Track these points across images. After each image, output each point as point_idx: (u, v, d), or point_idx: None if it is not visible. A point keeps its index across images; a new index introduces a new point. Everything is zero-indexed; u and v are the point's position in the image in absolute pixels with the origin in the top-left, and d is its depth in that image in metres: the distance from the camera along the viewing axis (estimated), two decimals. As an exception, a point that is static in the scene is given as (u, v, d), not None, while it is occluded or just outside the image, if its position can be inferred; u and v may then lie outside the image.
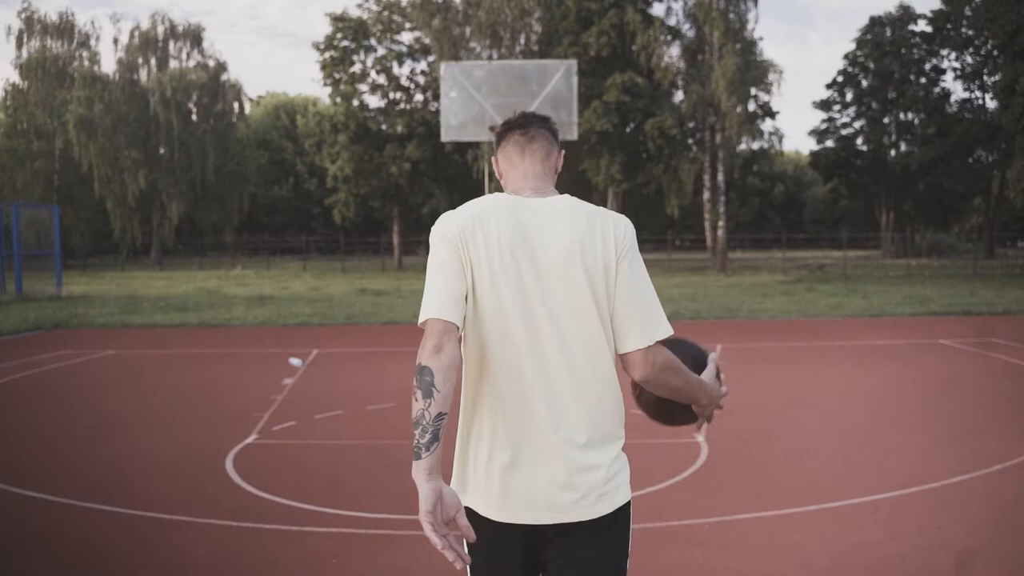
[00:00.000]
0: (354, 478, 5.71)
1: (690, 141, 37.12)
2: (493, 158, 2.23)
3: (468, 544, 1.90)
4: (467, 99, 14.05)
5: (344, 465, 6.05)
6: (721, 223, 35.22)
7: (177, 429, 7.16)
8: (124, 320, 16.92)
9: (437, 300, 1.93)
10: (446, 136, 15.08)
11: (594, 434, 1.98)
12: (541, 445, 1.95)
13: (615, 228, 2.03)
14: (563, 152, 2.25)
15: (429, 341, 1.86)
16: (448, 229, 2.00)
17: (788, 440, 6.58)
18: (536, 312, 1.96)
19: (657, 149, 34.68)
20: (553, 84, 13.41)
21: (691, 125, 36.28)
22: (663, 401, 2.16)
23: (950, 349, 11.61)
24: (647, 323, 2.00)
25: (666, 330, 2.02)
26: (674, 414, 2.22)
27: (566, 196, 2.09)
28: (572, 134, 17.74)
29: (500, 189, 2.23)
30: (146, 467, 6.00)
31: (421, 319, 1.92)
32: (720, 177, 35.02)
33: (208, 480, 5.62)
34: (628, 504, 2.04)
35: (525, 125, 2.16)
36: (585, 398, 1.98)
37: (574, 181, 37.12)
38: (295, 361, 10.37)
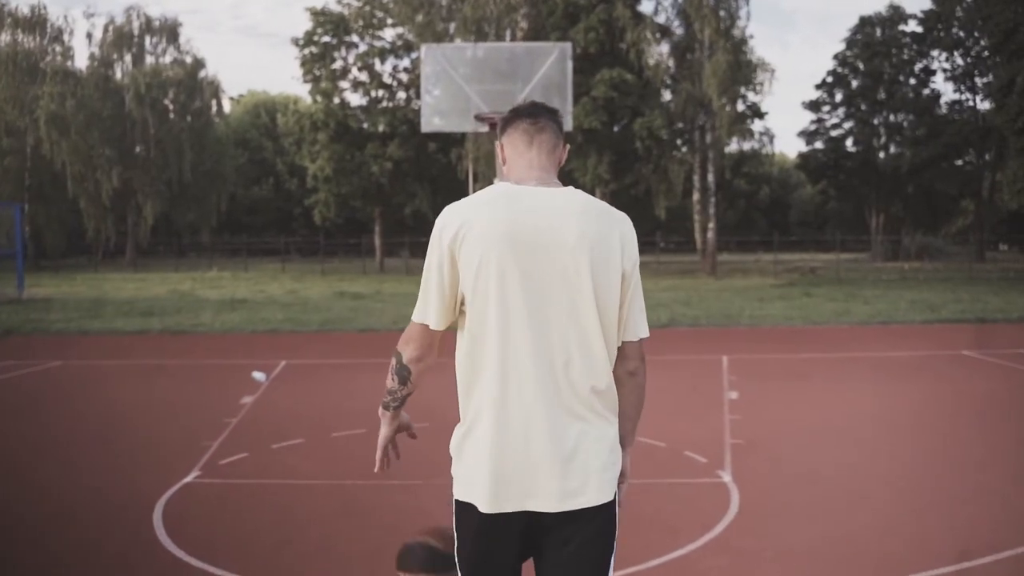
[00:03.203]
0: (309, 532, 4.64)
1: (679, 141, 36.25)
2: (498, 143, 2.19)
3: (466, 536, 2.03)
4: (451, 86, 12.99)
5: (298, 515, 4.98)
6: (711, 225, 34.31)
7: (103, 464, 6.04)
8: (83, 326, 15.73)
9: (425, 305, 2.05)
10: (427, 127, 13.93)
11: (588, 425, 2.00)
12: (537, 435, 1.96)
13: (628, 232, 2.07)
14: (568, 147, 2.21)
15: (412, 346, 2.08)
16: (445, 225, 2.01)
17: (832, 481, 5.51)
18: (533, 303, 1.97)
19: (646, 149, 33.78)
20: (545, 70, 12.37)
21: (680, 125, 35.42)
22: None
23: (979, 362, 10.64)
24: (642, 316, 2.11)
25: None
26: None
27: (573, 189, 2.10)
28: (567, 124, 16.49)
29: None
30: (45, 518, 4.87)
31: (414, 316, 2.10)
32: (710, 178, 34.10)
33: (125, 537, 4.53)
34: (615, 495, 2.07)
35: (535, 115, 2.15)
36: (580, 388, 1.99)
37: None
38: (258, 375, 9.20)
